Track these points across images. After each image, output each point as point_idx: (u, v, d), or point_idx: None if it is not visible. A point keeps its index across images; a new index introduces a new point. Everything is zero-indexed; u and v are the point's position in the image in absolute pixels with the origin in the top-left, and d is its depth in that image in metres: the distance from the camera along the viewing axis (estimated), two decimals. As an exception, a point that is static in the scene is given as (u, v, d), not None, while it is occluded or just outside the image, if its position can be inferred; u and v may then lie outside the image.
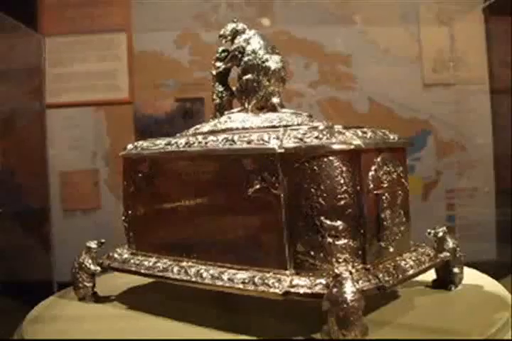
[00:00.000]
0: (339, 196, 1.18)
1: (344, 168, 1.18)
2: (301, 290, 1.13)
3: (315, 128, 1.24)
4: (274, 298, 1.15)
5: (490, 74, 3.03)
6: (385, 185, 1.26)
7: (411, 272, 1.26)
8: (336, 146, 1.17)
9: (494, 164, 3.03)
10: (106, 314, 1.41)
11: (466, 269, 1.65)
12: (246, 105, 1.47)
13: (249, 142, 1.25)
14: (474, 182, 3.06)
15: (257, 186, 1.22)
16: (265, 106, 1.46)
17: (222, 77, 1.61)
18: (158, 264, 1.40)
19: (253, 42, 1.45)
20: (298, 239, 1.18)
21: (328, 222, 1.17)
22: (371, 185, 1.21)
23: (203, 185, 1.34)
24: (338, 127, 1.24)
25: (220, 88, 1.54)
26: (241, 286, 1.21)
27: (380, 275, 1.17)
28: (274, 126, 1.35)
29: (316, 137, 1.18)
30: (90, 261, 1.53)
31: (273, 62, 1.42)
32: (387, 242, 1.25)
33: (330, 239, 1.17)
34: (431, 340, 1.16)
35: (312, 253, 1.17)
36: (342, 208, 1.18)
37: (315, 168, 1.18)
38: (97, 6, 3.00)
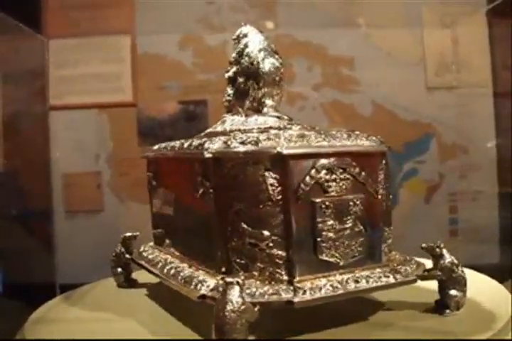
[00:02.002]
0: (262, 203, 1.15)
1: (267, 175, 1.14)
2: (217, 295, 1.10)
3: (264, 132, 1.22)
4: (195, 300, 1.15)
5: (493, 78, 3.03)
6: (331, 193, 1.18)
7: (351, 289, 1.15)
8: (255, 152, 1.15)
9: (497, 167, 3.02)
10: (108, 315, 1.40)
11: (466, 270, 1.65)
12: (239, 108, 1.47)
13: (196, 147, 1.25)
14: (477, 185, 3.06)
15: (200, 190, 1.23)
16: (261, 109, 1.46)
17: (233, 81, 1.61)
18: (155, 259, 1.46)
19: (251, 44, 1.45)
20: (228, 244, 1.18)
21: (250, 229, 1.15)
22: (304, 193, 1.15)
23: (177, 186, 1.41)
24: (287, 133, 1.20)
25: (230, 91, 1.54)
26: (179, 284, 1.24)
27: (300, 289, 1.11)
28: (248, 130, 1.33)
29: (242, 142, 1.17)
30: (124, 250, 1.63)
31: (267, 64, 1.40)
32: (332, 255, 1.17)
33: (250, 247, 1.15)
34: (431, 340, 1.16)
35: (237, 259, 1.17)
36: (265, 216, 1.15)
37: (238, 174, 1.16)
38: (100, 9, 3.00)
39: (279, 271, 1.14)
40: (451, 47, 3.02)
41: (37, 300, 1.60)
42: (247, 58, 1.43)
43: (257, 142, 1.16)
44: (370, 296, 1.38)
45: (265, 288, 1.12)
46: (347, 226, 1.20)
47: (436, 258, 1.30)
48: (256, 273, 1.15)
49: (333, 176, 1.19)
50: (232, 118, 1.43)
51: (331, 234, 1.17)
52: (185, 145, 1.31)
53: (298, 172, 1.15)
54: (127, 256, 1.62)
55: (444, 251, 1.30)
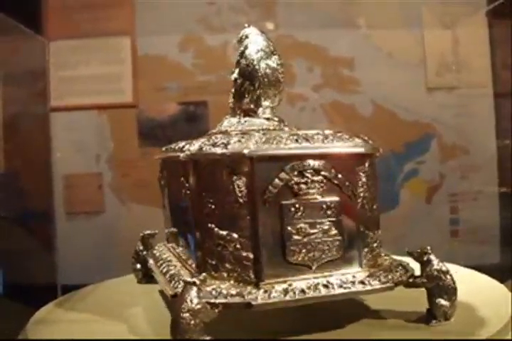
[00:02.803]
0: (230, 205, 1.16)
1: (235, 177, 1.15)
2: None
3: (244, 134, 1.22)
4: (170, 298, 1.17)
5: (493, 78, 3.03)
6: (301, 196, 1.17)
7: (319, 294, 1.13)
8: (223, 154, 1.16)
9: (498, 167, 3.02)
10: (109, 316, 1.41)
11: (466, 270, 1.66)
12: (236, 109, 1.47)
13: (180, 148, 1.27)
14: (478, 185, 3.06)
15: (183, 191, 1.26)
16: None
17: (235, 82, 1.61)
18: (160, 257, 1.48)
19: (250, 46, 1.45)
20: (203, 245, 1.20)
21: (219, 231, 1.16)
22: (272, 195, 1.15)
23: (173, 187, 1.45)
24: (259, 135, 1.19)
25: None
26: (164, 282, 1.27)
27: (266, 292, 1.11)
28: (230, 131, 1.34)
29: (213, 145, 1.18)
30: (142, 248, 1.69)
31: (263, 65, 1.40)
32: (302, 258, 1.16)
33: (220, 248, 1.16)
34: (431, 340, 1.16)
35: (209, 259, 1.19)
36: (233, 218, 1.16)
37: (210, 175, 1.18)
38: (100, 10, 3.01)
39: (246, 272, 1.15)
40: (452, 47, 3.02)
41: (38, 301, 1.60)
42: (244, 60, 1.43)
43: (226, 144, 1.17)
44: (371, 298, 1.38)
45: (230, 290, 1.12)
46: (320, 229, 1.18)
47: (423, 264, 1.25)
48: (225, 274, 1.16)
49: (304, 179, 1.17)
50: (228, 120, 1.44)
51: (301, 238, 1.16)
52: (176, 146, 1.33)
53: (265, 174, 1.15)
54: (144, 253, 1.68)
55: (432, 257, 1.24)
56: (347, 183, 1.21)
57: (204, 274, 1.14)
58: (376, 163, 1.31)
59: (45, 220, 2.94)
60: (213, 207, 1.17)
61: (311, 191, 1.17)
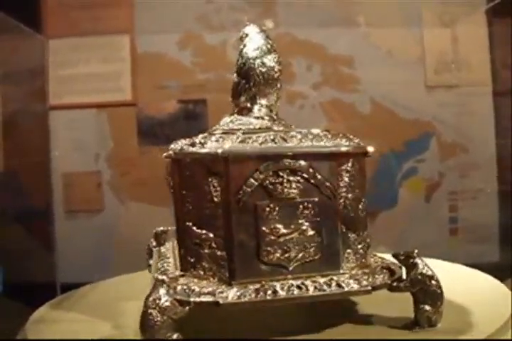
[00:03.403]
0: (205, 205, 1.16)
1: (210, 177, 1.15)
2: None
3: (226, 133, 1.22)
4: None
5: (493, 76, 3.03)
6: (276, 196, 1.15)
7: (291, 295, 1.11)
8: (199, 154, 1.17)
9: (497, 166, 3.02)
10: (109, 315, 1.41)
11: (467, 269, 1.66)
12: (234, 108, 1.46)
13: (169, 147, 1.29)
14: (477, 184, 3.06)
15: (170, 189, 1.28)
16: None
17: None
18: (164, 254, 1.47)
19: (248, 44, 1.44)
20: (184, 243, 1.21)
21: (196, 230, 1.17)
22: (246, 195, 1.14)
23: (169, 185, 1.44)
24: (238, 135, 1.19)
25: None
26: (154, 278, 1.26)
27: (237, 291, 1.10)
28: (213, 131, 1.32)
29: (191, 144, 1.19)
30: (154, 244, 1.66)
31: (257, 63, 1.38)
32: (277, 259, 1.14)
33: (197, 247, 1.17)
34: (431, 340, 1.16)
35: (189, 257, 1.19)
36: (208, 217, 1.16)
37: (188, 175, 1.19)
38: (100, 9, 3.00)
39: (221, 272, 1.15)
40: (451, 46, 3.02)
41: (38, 299, 1.60)
42: (241, 58, 1.43)
43: (203, 144, 1.17)
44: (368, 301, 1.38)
45: (203, 288, 1.12)
46: (296, 230, 1.16)
47: (408, 268, 1.19)
48: (202, 273, 1.17)
49: (280, 179, 1.15)
50: (225, 119, 1.43)
51: (275, 238, 1.14)
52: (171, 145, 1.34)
53: (239, 174, 1.14)
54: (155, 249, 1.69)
55: (418, 261, 1.19)
56: (326, 183, 1.18)
57: (177, 272, 1.17)
58: (365, 161, 1.28)
59: (44, 218, 2.94)
60: (191, 206, 1.18)
61: (286, 191, 1.15)
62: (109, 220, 3.00)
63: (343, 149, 1.20)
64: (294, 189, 1.16)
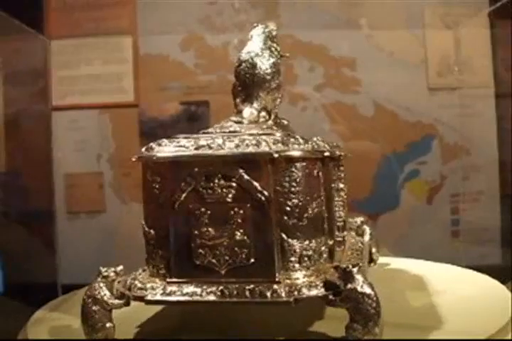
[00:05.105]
0: (150, 205, 1.23)
1: (154, 180, 1.20)
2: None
3: (183, 138, 1.23)
4: None
5: (495, 78, 3.03)
6: (207, 200, 1.16)
7: (211, 299, 1.12)
8: (145, 157, 1.22)
9: (499, 168, 3.02)
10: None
11: (466, 270, 1.66)
12: (234, 110, 1.46)
13: None
14: (479, 186, 3.06)
15: None
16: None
17: None
18: None
19: (246, 46, 1.45)
20: (144, 240, 1.26)
21: (145, 227, 1.23)
22: (179, 199, 1.17)
23: None
24: (184, 140, 1.21)
25: None
26: None
27: (165, 290, 1.15)
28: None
29: (147, 148, 1.23)
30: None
31: (248, 65, 1.39)
32: (208, 262, 1.16)
33: (147, 245, 1.23)
34: (431, 340, 1.16)
35: (146, 255, 1.25)
36: (152, 217, 1.22)
37: (143, 176, 1.24)
38: (102, 10, 3.01)
39: (161, 270, 1.20)
40: (454, 48, 3.02)
41: (39, 300, 1.60)
42: (237, 60, 1.43)
43: (152, 148, 1.22)
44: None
45: (141, 284, 1.18)
46: (226, 234, 1.16)
47: (346, 283, 1.10)
48: (151, 269, 1.23)
49: (211, 184, 1.16)
50: (224, 122, 1.43)
51: (206, 241, 1.16)
52: None
53: (174, 178, 1.17)
54: None
55: (357, 276, 1.10)
56: (259, 189, 1.15)
57: (120, 267, 1.23)
58: (312, 168, 1.21)
59: (45, 219, 2.94)
60: (144, 205, 1.25)
61: (217, 196, 1.16)
62: (111, 221, 3.00)
63: (276, 155, 1.14)
64: (226, 194, 1.16)
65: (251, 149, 1.16)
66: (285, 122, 1.48)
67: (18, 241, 2.68)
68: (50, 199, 2.97)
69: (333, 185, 1.33)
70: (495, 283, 1.56)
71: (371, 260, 1.72)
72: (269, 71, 1.40)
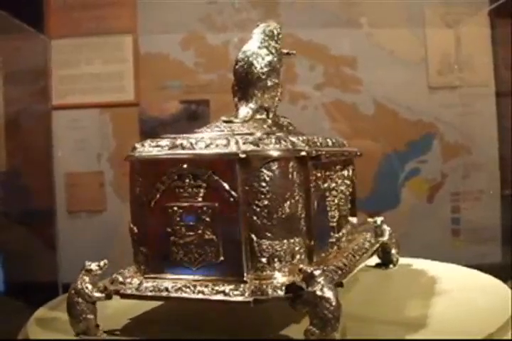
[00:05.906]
0: (133, 203, 1.28)
1: (136, 179, 1.25)
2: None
3: (167, 139, 1.27)
4: None
5: (496, 77, 3.03)
6: (180, 199, 1.18)
7: (180, 295, 1.15)
8: (128, 157, 1.28)
9: (500, 167, 3.02)
10: (109, 314, 1.40)
11: (468, 270, 1.66)
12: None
13: None
14: (480, 184, 3.06)
15: None
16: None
17: None
18: None
19: (247, 44, 1.44)
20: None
21: (131, 224, 1.28)
22: (156, 197, 1.21)
23: None
24: (164, 140, 1.25)
25: None
26: None
27: (141, 284, 1.20)
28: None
29: (132, 148, 1.29)
30: None
31: (243, 64, 1.39)
32: (181, 260, 1.19)
33: (131, 241, 1.29)
34: (431, 340, 1.16)
35: (133, 251, 1.30)
36: (134, 214, 1.28)
37: (131, 175, 1.28)
38: (103, 9, 3.01)
39: (142, 265, 1.25)
40: (454, 46, 3.02)
41: (39, 299, 1.60)
42: (235, 59, 1.43)
43: (136, 148, 1.27)
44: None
45: (123, 278, 1.24)
46: (196, 233, 1.18)
47: (307, 286, 1.08)
48: (135, 264, 1.27)
49: (183, 183, 1.18)
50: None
51: (178, 239, 1.19)
52: None
53: (152, 177, 1.22)
54: None
55: (319, 280, 1.07)
56: (228, 189, 1.15)
57: (103, 261, 1.29)
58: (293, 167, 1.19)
59: (46, 218, 2.94)
60: (130, 203, 1.29)
61: (188, 195, 1.18)
62: (111, 220, 3.00)
63: (243, 155, 1.14)
64: (196, 193, 1.18)
65: (219, 150, 1.17)
66: (285, 120, 1.47)
67: (18, 241, 2.68)
68: (51, 198, 2.97)
69: (325, 185, 1.33)
70: (496, 281, 1.56)
71: (389, 261, 1.75)
72: (264, 70, 1.39)
